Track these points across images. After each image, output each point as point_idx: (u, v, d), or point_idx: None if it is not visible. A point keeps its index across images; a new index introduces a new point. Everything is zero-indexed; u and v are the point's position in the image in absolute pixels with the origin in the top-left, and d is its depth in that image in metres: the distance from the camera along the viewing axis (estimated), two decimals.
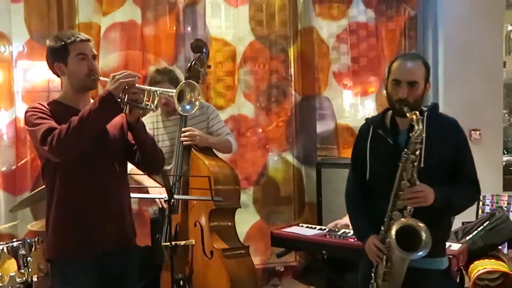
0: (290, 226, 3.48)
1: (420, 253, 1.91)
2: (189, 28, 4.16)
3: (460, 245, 2.87)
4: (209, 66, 3.45)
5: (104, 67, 4.05)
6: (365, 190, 2.23)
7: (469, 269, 3.43)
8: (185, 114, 2.13)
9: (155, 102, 2.02)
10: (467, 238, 3.55)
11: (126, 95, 2.01)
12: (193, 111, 2.08)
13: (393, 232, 1.93)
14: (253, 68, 4.33)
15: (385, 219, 2.03)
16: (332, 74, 4.45)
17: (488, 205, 4.25)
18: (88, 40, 2.15)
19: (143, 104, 2.03)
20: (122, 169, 2.21)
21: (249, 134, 4.41)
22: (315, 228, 3.35)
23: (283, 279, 4.45)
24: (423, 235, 1.92)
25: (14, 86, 3.93)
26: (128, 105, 2.03)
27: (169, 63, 4.08)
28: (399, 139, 2.13)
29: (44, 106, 2.10)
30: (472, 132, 4.50)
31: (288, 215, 4.45)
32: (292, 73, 4.40)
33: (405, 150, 1.98)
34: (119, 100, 2.00)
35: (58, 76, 2.19)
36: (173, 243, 2.88)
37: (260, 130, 4.41)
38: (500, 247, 3.69)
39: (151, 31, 4.13)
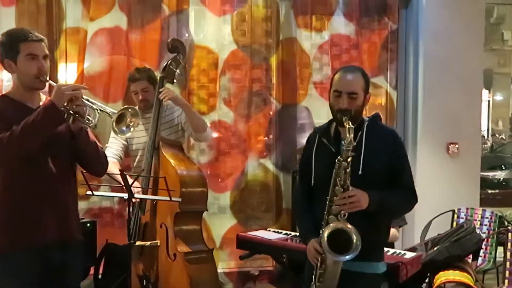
0: (257, 230, 3.58)
1: (349, 256, 2.00)
2: (173, 35, 4.29)
3: (413, 254, 2.93)
4: (185, 66, 3.53)
5: (90, 71, 4.22)
6: (310, 195, 2.33)
7: (434, 279, 3.51)
8: (120, 134, 2.23)
9: (95, 120, 2.14)
10: (435, 248, 3.63)
11: (70, 106, 2.10)
12: (127, 135, 2.24)
13: (325, 235, 2.03)
14: (234, 76, 4.45)
15: (322, 223, 2.13)
16: (312, 84, 4.55)
17: (462, 218, 4.32)
18: (41, 40, 2.20)
19: (85, 118, 2.14)
20: (67, 167, 2.28)
21: (230, 140, 4.51)
22: (281, 233, 3.44)
23: (258, 283, 4.54)
24: (354, 238, 2.01)
25: (4, 85, 4.09)
26: (71, 116, 2.13)
27: (153, 68, 4.22)
28: (341, 147, 2.22)
29: None
30: (450, 145, 4.57)
31: (265, 221, 4.51)
32: (274, 82, 4.51)
33: (338, 157, 2.09)
34: (63, 110, 2.09)
35: (8, 72, 2.24)
36: (137, 243, 3.03)
37: (240, 137, 4.50)
38: (469, 258, 3.76)
39: (136, 37, 4.27)
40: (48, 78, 2.21)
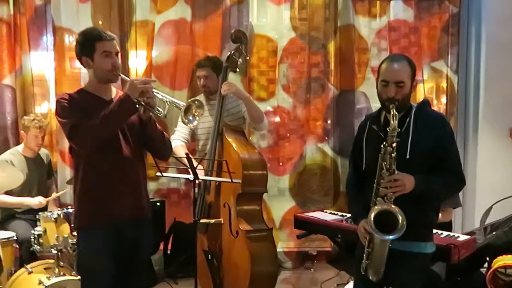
0: (314, 211, 3.73)
1: (393, 235, 2.11)
2: (235, 25, 4.48)
3: (467, 237, 2.98)
4: (247, 56, 3.66)
5: (158, 60, 4.53)
6: (362, 179, 2.44)
7: (493, 263, 3.52)
8: (188, 124, 2.45)
9: (165, 111, 2.36)
10: (494, 233, 3.63)
11: (142, 98, 2.33)
12: (193, 124, 2.43)
13: (372, 215, 2.15)
14: (293, 63, 4.60)
15: (370, 205, 2.25)
16: (370, 69, 4.59)
17: None
18: (113, 39, 2.43)
19: (155, 109, 2.37)
20: (138, 151, 2.51)
21: (288, 125, 4.67)
22: (336, 214, 3.58)
23: (317, 263, 4.71)
24: (399, 219, 2.11)
25: (82, 76, 4.46)
26: (142, 107, 2.37)
27: None
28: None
29: (72, 96, 2.43)
30: None
31: (323, 203, 4.65)
32: (332, 68, 4.60)
33: (384, 142, 2.18)
34: (136, 101, 2.33)
35: (85, 67, 2.49)
36: (202, 221, 3.27)
37: (299, 122, 4.65)
38: None
39: (200, 27, 4.52)
40: (120, 73, 2.47)
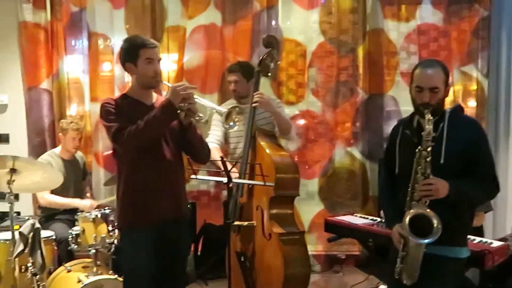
0: (345, 215, 3.75)
1: (428, 239, 2.13)
2: (264, 30, 4.54)
3: (501, 243, 2.96)
4: (278, 61, 3.72)
5: (189, 65, 4.61)
6: (394, 184, 2.46)
7: None
8: (228, 129, 2.53)
9: (207, 116, 2.43)
10: None
11: (184, 104, 2.41)
12: (234, 129, 2.51)
13: (406, 219, 2.18)
14: (322, 67, 4.62)
15: (405, 209, 2.27)
16: (399, 73, 4.59)
17: None
18: (156, 46, 2.53)
19: (196, 115, 2.43)
20: (179, 153, 2.61)
21: (317, 129, 4.69)
22: (367, 218, 3.59)
23: (345, 267, 4.71)
24: (434, 223, 2.13)
25: (115, 80, 4.60)
26: (183, 112, 2.44)
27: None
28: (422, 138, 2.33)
29: (115, 101, 2.52)
30: None
31: (352, 207, 4.64)
32: (360, 72, 4.61)
33: (419, 147, 2.20)
34: (177, 107, 2.40)
35: (128, 73, 2.60)
36: (235, 223, 3.33)
37: (327, 125, 4.67)
38: None
39: (230, 32, 4.59)
40: (161, 79, 2.57)
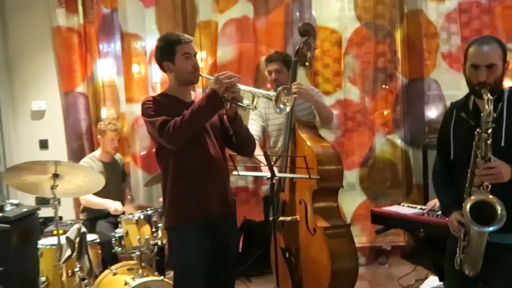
0: (391, 205, 3.62)
1: (493, 227, 1.98)
2: (297, 19, 4.43)
3: None
4: (316, 49, 3.59)
5: (222, 60, 4.55)
6: (450, 170, 2.33)
7: None
8: (280, 112, 2.39)
9: (255, 102, 2.35)
10: None
11: (227, 94, 2.33)
12: (286, 111, 2.38)
13: (467, 206, 2.04)
14: (359, 53, 4.48)
15: (464, 196, 2.13)
16: (440, 55, 4.40)
17: None
18: (191, 41, 2.48)
19: (243, 102, 2.36)
20: (222, 149, 2.56)
21: (356, 117, 4.55)
22: (415, 207, 3.44)
23: (391, 258, 4.58)
24: (498, 209, 1.99)
25: (148, 80, 4.58)
26: (228, 102, 2.36)
27: None
28: (481, 120, 2.18)
29: (156, 99, 2.48)
30: None
31: (395, 197, 4.51)
32: (399, 56, 4.45)
33: (478, 129, 2.06)
34: (222, 97, 2.33)
35: (165, 72, 2.52)
36: (279, 218, 3.25)
37: (367, 113, 4.53)
38: None
39: (262, 24, 4.50)
40: (200, 73, 2.51)
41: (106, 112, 4.68)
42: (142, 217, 3.33)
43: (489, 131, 2.04)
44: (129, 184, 4.48)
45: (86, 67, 4.59)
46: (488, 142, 2.05)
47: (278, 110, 2.35)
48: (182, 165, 2.44)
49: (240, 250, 4.45)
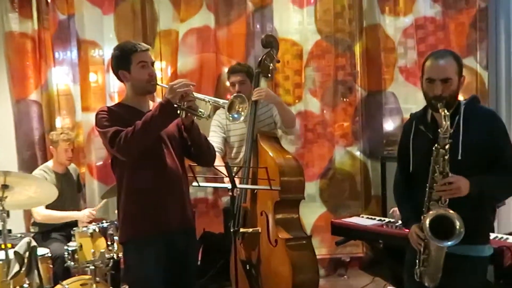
0: (351, 217, 3.65)
1: (451, 242, 2.00)
2: (258, 31, 4.43)
3: None
4: (278, 61, 3.59)
5: (182, 69, 4.48)
6: (410, 181, 2.35)
7: None
8: (233, 121, 2.38)
9: (209, 111, 2.31)
10: None
11: (182, 102, 2.28)
12: (240, 120, 2.35)
13: (427, 221, 2.05)
14: (319, 66, 4.52)
15: (423, 209, 2.15)
16: (398, 69, 4.50)
17: None
18: (148, 50, 2.42)
19: (198, 111, 2.31)
20: (181, 160, 2.49)
21: (316, 129, 4.58)
22: (374, 219, 3.49)
23: (350, 270, 4.60)
24: (457, 224, 2.01)
25: (106, 88, 4.46)
26: (183, 111, 2.31)
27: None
28: (439, 134, 2.21)
29: (111, 109, 2.41)
30: None
31: (355, 208, 4.56)
32: (358, 70, 4.53)
33: (436, 145, 2.08)
34: (176, 106, 2.27)
35: (122, 81, 2.46)
36: (240, 230, 3.20)
37: (326, 125, 4.57)
38: None
39: (223, 34, 4.47)
40: (157, 82, 2.43)
41: (61, 121, 4.51)
42: (97, 229, 3.22)
43: (447, 146, 2.07)
44: (84, 195, 4.32)
45: (40, 74, 4.41)
46: (446, 157, 2.07)
47: (231, 118, 2.33)
48: (137, 178, 2.36)
49: (199, 262, 4.40)
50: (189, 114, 2.33)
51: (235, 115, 2.33)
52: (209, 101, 2.34)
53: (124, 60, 2.38)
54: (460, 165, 2.11)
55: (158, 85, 2.46)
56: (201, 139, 2.49)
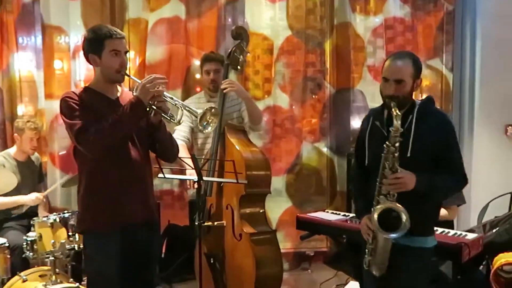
0: (316, 212, 3.68)
1: (397, 234, 2.11)
2: (229, 24, 4.40)
3: (475, 235, 2.96)
4: (248, 53, 3.55)
5: (151, 60, 4.40)
6: (365, 175, 2.41)
7: (493, 261, 3.51)
8: (203, 130, 2.37)
9: (178, 116, 2.27)
10: (493, 231, 3.62)
11: (154, 101, 2.24)
12: (207, 131, 2.36)
13: (375, 214, 2.15)
14: (289, 62, 4.53)
15: (373, 202, 2.23)
16: (366, 68, 4.56)
17: None
18: (123, 37, 2.34)
19: (168, 114, 2.27)
20: (145, 152, 2.44)
21: (284, 124, 4.60)
22: (339, 214, 3.53)
23: (313, 264, 4.66)
24: (403, 218, 2.11)
25: (72, 76, 4.34)
26: (153, 110, 2.27)
27: None
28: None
29: (77, 95, 2.32)
30: (509, 127, 4.49)
31: (320, 203, 4.61)
32: (328, 67, 4.56)
33: (386, 142, 2.17)
34: (147, 105, 2.23)
35: (91, 64, 2.36)
36: (205, 223, 3.18)
37: (295, 121, 4.59)
38: None
39: (194, 26, 4.42)
40: (126, 73, 2.36)
41: (23, 108, 4.37)
42: (57, 220, 3.14)
43: (397, 145, 2.16)
44: (45, 185, 4.20)
45: (1, 59, 4.26)
46: (396, 154, 2.16)
47: (201, 127, 2.32)
48: (99, 167, 2.30)
49: (163, 255, 4.36)
50: (157, 113, 2.30)
51: (205, 124, 2.32)
52: (181, 107, 2.30)
53: (96, 44, 2.29)
54: (408, 163, 2.20)
55: (127, 75, 2.39)
56: (166, 137, 2.46)
